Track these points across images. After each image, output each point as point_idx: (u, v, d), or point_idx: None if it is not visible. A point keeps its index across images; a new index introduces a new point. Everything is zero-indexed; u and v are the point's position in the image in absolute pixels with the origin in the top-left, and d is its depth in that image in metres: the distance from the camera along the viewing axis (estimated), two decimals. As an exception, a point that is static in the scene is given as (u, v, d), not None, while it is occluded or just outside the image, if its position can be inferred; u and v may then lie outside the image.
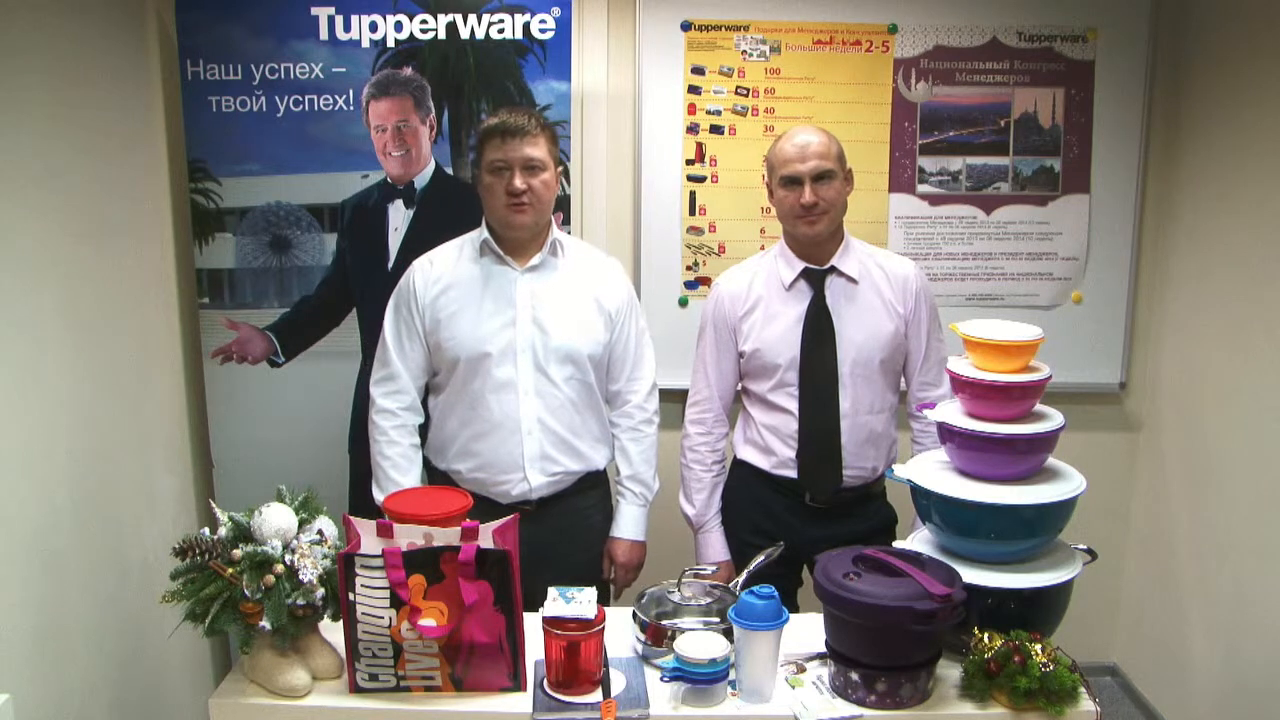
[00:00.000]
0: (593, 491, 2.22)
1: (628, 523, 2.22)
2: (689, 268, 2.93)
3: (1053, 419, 1.75)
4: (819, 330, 2.15)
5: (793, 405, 2.17)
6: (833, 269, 2.16)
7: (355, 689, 1.59)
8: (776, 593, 1.59)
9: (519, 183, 1.99)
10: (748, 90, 2.85)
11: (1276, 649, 2.40)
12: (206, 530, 1.59)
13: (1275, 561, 2.42)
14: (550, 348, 2.07)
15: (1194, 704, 2.77)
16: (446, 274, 2.10)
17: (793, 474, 2.19)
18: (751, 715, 1.57)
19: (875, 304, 2.17)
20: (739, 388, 2.29)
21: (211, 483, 2.62)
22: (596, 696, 1.58)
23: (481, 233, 2.11)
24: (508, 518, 1.61)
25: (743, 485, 2.28)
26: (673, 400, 2.49)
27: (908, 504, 1.92)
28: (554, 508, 2.14)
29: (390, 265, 2.55)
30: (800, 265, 2.17)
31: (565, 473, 2.13)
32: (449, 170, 2.56)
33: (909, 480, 1.78)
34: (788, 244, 2.20)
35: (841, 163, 2.12)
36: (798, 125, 2.19)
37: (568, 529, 2.15)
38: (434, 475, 2.17)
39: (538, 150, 2.01)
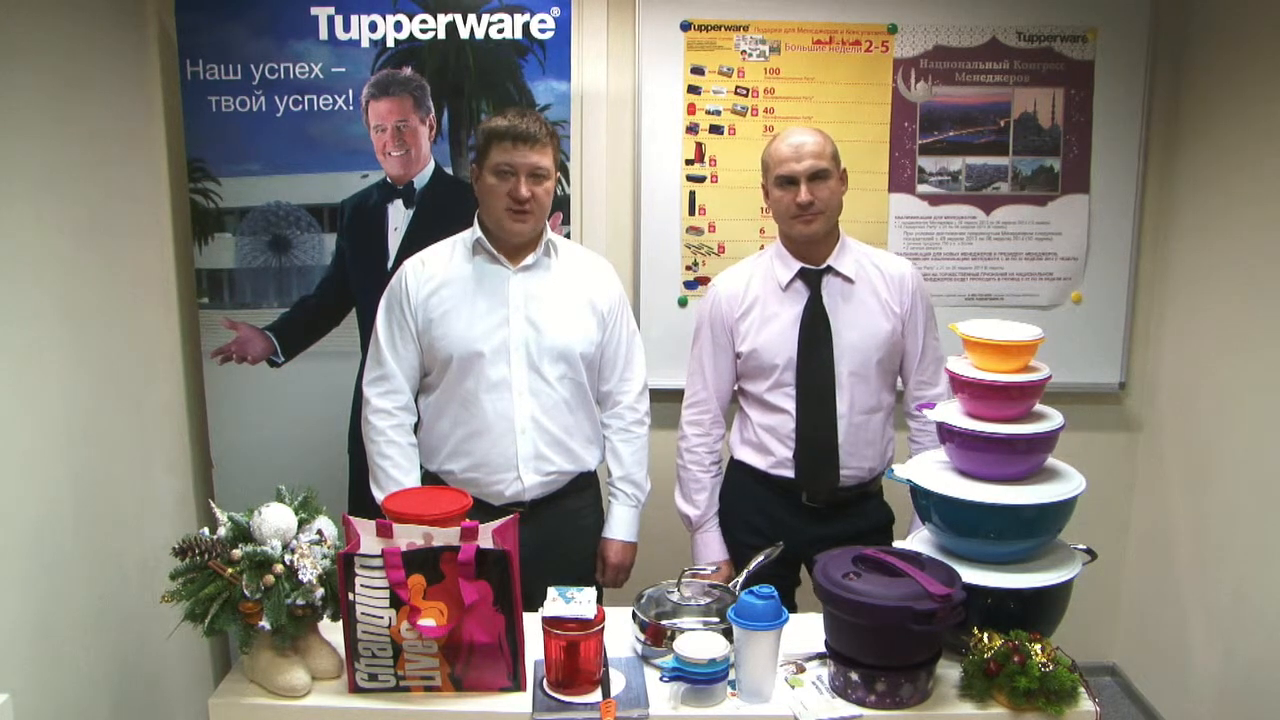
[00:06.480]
0: (585, 493, 2.22)
1: (621, 524, 2.22)
2: (689, 267, 2.93)
3: (1052, 419, 1.75)
4: (816, 331, 2.15)
5: (790, 406, 2.17)
6: (829, 269, 2.16)
7: (355, 689, 1.59)
8: (776, 592, 1.59)
9: (525, 191, 1.99)
10: (747, 90, 2.85)
11: (1276, 649, 2.40)
12: (206, 530, 1.59)
13: (1275, 561, 2.42)
14: (544, 346, 2.07)
15: (1194, 704, 2.76)
16: (439, 273, 2.09)
17: (790, 474, 2.19)
18: (751, 715, 1.57)
19: (872, 304, 2.18)
20: (734, 388, 2.29)
21: (211, 483, 2.62)
22: (596, 696, 1.58)
23: (474, 232, 2.10)
24: (507, 518, 1.61)
25: (739, 486, 2.28)
26: (672, 400, 2.49)
27: (906, 503, 1.92)
28: (546, 510, 2.13)
29: (390, 265, 2.55)
30: (797, 265, 2.17)
31: (558, 473, 2.13)
32: (449, 170, 2.56)
33: (909, 480, 1.78)
34: (784, 244, 2.20)
35: (836, 162, 2.12)
36: (792, 126, 2.19)
37: (560, 531, 2.15)
38: (424, 478, 2.15)
39: (545, 159, 2.01)
